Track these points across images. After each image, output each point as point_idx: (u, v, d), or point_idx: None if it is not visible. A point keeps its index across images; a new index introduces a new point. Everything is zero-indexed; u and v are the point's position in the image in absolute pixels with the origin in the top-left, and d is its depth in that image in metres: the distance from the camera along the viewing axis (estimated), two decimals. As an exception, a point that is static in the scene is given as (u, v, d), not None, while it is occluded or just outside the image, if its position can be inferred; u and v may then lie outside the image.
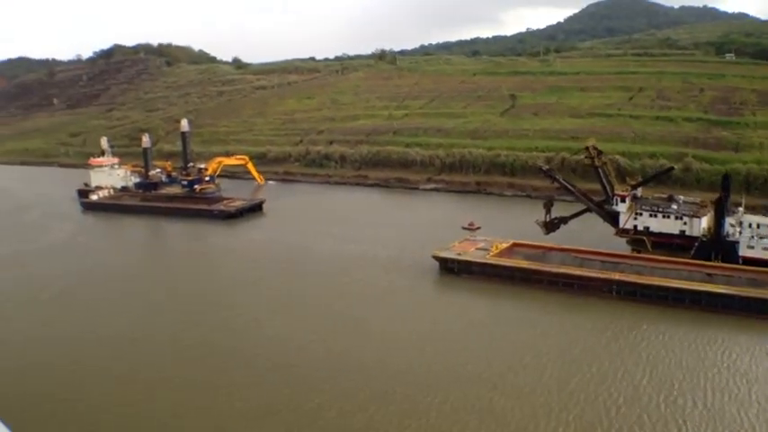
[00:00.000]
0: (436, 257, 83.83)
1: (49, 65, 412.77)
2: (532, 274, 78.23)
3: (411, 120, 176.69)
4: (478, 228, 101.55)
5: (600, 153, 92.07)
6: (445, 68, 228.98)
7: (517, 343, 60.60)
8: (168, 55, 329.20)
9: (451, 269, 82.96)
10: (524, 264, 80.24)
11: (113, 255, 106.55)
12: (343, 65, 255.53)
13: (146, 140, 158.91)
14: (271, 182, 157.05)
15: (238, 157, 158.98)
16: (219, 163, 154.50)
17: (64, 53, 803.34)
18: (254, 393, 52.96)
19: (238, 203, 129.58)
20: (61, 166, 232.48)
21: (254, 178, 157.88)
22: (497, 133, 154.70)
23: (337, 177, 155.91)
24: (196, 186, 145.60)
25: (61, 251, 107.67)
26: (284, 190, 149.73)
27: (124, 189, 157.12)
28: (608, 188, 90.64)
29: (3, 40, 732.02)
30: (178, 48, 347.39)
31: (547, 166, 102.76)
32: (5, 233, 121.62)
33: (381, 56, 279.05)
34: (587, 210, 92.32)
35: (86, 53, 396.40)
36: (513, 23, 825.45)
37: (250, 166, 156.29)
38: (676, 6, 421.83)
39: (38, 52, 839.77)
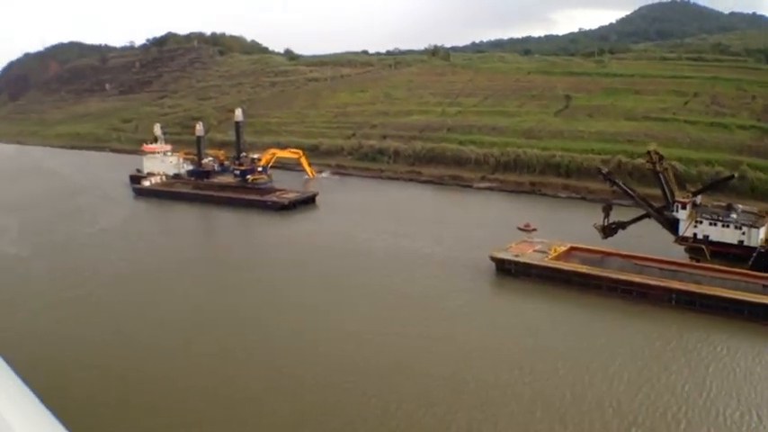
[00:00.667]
0: (493, 258, 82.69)
1: (101, 51, 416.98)
2: (592, 279, 76.76)
3: (464, 117, 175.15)
4: (534, 229, 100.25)
5: (661, 158, 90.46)
6: (499, 66, 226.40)
7: (585, 351, 59.02)
8: (221, 44, 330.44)
9: (509, 270, 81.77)
10: (584, 269, 78.70)
11: (168, 242, 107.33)
12: (396, 59, 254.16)
13: (199, 129, 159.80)
14: (322, 174, 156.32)
15: (292, 150, 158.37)
16: (273, 155, 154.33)
17: (115, 40, 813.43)
18: (324, 395, 52.28)
19: (291, 195, 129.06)
20: (113, 151, 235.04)
21: (305, 171, 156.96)
22: (552, 134, 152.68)
23: (390, 172, 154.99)
24: (248, 176, 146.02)
25: (115, 237, 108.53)
26: (336, 183, 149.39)
27: (176, 176, 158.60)
28: (668, 194, 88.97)
29: (54, 25, 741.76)
30: (231, 37, 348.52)
31: (606, 170, 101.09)
32: (60, 217, 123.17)
33: (434, 52, 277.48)
34: (646, 215, 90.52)
35: (138, 41, 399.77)
36: (563, 23, 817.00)
37: (303, 160, 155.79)
38: (726, 12, 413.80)
39: (89, 38, 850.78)
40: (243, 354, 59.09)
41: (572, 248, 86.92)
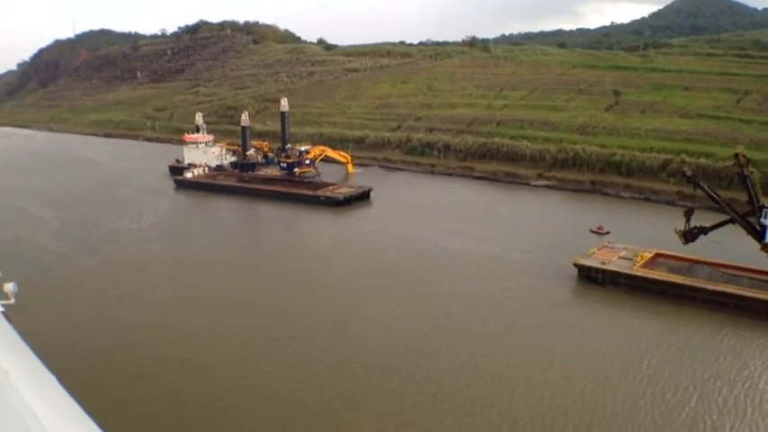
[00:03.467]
0: (578, 265, 76.98)
1: (132, 38, 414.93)
2: (687, 290, 71.02)
3: (511, 111, 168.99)
4: (607, 232, 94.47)
5: (748, 161, 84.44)
6: (542, 59, 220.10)
7: (713, 379, 52.69)
8: (254, 33, 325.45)
9: (595, 279, 75.81)
10: (678, 279, 72.81)
11: (224, 240, 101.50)
12: (437, 51, 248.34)
13: (245, 118, 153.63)
14: (359, 171, 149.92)
15: (342, 153, 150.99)
16: (323, 151, 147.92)
17: (145, 28, 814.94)
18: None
19: (345, 190, 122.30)
20: (147, 139, 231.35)
21: (344, 165, 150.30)
22: (607, 130, 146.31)
23: (441, 167, 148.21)
24: (296, 169, 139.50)
25: (164, 233, 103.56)
26: (382, 177, 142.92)
27: (219, 168, 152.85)
28: (755, 199, 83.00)
29: (84, 12, 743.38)
30: (265, 26, 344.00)
31: (690, 172, 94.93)
32: (102, 210, 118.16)
33: (472, 43, 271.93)
34: (730, 221, 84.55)
35: (169, 29, 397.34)
36: (590, 16, 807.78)
37: (350, 166, 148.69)
38: (760, 8, 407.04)
39: (119, 25, 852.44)
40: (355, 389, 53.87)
41: (657, 255, 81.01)
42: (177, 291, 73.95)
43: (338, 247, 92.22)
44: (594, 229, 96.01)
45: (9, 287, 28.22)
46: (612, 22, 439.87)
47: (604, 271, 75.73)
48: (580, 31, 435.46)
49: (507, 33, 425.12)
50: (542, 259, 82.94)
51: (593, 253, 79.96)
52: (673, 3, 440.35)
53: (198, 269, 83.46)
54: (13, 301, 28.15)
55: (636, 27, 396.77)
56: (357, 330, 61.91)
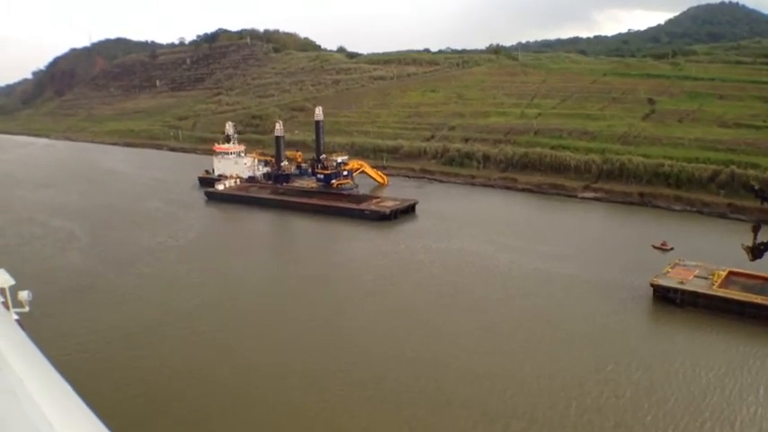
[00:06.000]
0: (655, 285, 72.76)
1: (149, 47, 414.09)
2: (766, 310, 67.06)
3: (546, 120, 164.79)
4: (671, 248, 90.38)
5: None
6: (571, 67, 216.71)
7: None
8: (274, 41, 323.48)
9: (672, 299, 71.86)
10: (759, 299, 68.50)
11: (268, 258, 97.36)
12: (463, 58, 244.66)
13: (278, 128, 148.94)
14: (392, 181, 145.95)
15: (380, 173, 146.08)
16: (361, 166, 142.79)
17: (163, 37, 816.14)
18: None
19: (390, 203, 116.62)
20: (171, 149, 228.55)
21: (373, 178, 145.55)
22: (649, 140, 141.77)
23: (482, 179, 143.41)
24: (333, 181, 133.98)
25: (202, 249, 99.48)
26: (418, 189, 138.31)
27: (251, 179, 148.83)
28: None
29: (100, 21, 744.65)
30: (285, 34, 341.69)
31: (758, 186, 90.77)
32: (134, 224, 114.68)
33: (496, 51, 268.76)
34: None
35: (186, 37, 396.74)
36: (605, 23, 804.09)
37: (384, 184, 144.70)
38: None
39: (136, 34, 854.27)
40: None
41: (731, 273, 76.99)
42: (237, 325, 69.58)
43: (397, 267, 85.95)
44: (658, 245, 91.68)
45: (24, 295, 29.99)
46: (629, 30, 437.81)
47: (683, 291, 71.48)
48: (597, 38, 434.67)
49: (524, 41, 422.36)
50: (613, 278, 78.45)
51: (668, 272, 75.80)
52: (688, 10, 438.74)
53: (254, 295, 77.61)
54: (27, 309, 29.79)
55: (653, 34, 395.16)
56: (454, 370, 56.38)
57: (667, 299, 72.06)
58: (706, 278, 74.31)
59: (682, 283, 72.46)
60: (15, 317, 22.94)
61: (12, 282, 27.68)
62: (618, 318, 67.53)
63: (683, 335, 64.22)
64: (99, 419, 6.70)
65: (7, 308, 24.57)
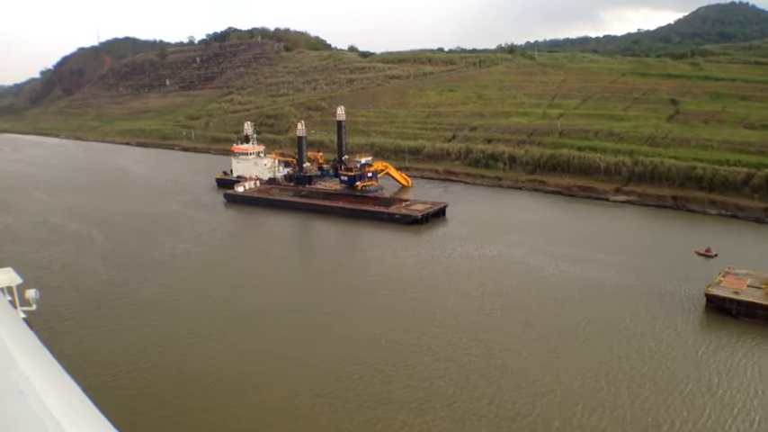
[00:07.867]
0: (710, 295, 69.58)
1: (157, 46, 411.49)
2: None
3: (570, 120, 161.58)
4: (716, 255, 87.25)
5: None
6: (590, 66, 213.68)
7: None
8: (285, 40, 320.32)
9: (728, 310, 68.69)
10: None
11: (300, 265, 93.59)
12: (480, 58, 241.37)
13: (301, 128, 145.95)
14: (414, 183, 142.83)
15: (404, 176, 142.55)
16: (386, 167, 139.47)
17: (171, 35, 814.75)
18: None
19: (421, 207, 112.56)
20: (183, 149, 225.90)
21: (397, 180, 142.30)
22: (677, 141, 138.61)
23: (509, 180, 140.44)
24: (357, 183, 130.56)
25: (228, 256, 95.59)
26: (443, 191, 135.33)
27: (272, 181, 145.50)
28: None
29: (109, 20, 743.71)
30: (296, 33, 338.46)
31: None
32: (155, 228, 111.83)
33: (511, 50, 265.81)
34: None
35: (196, 36, 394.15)
36: (613, 23, 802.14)
37: (407, 186, 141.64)
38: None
39: (144, 33, 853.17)
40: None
41: (780, 282, 73.94)
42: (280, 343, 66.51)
43: (440, 276, 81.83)
44: (702, 251, 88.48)
45: (31, 294, 30.51)
46: (639, 29, 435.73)
47: (739, 302, 68.30)
48: (607, 38, 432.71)
49: (533, 41, 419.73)
50: (662, 286, 75.32)
51: (720, 281, 72.65)
52: (698, 10, 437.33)
53: (298, 312, 71.88)
54: (35, 307, 30.43)
55: (664, 34, 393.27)
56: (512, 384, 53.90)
57: (723, 309, 68.95)
58: (759, 287, 71.16)
59: (736, 293, 69.25)
60: (23, 315, 23.19)
61: (19, 280, 27.69)
62: (676, 332, 64.01)
63: (745, 349, 60.77)
64: (106, 418, 6.64)
65: (15, 306, 24.84)
